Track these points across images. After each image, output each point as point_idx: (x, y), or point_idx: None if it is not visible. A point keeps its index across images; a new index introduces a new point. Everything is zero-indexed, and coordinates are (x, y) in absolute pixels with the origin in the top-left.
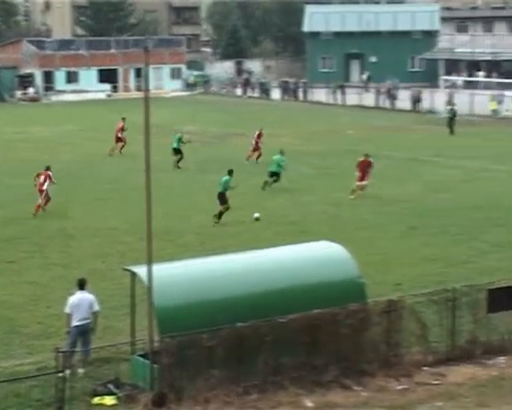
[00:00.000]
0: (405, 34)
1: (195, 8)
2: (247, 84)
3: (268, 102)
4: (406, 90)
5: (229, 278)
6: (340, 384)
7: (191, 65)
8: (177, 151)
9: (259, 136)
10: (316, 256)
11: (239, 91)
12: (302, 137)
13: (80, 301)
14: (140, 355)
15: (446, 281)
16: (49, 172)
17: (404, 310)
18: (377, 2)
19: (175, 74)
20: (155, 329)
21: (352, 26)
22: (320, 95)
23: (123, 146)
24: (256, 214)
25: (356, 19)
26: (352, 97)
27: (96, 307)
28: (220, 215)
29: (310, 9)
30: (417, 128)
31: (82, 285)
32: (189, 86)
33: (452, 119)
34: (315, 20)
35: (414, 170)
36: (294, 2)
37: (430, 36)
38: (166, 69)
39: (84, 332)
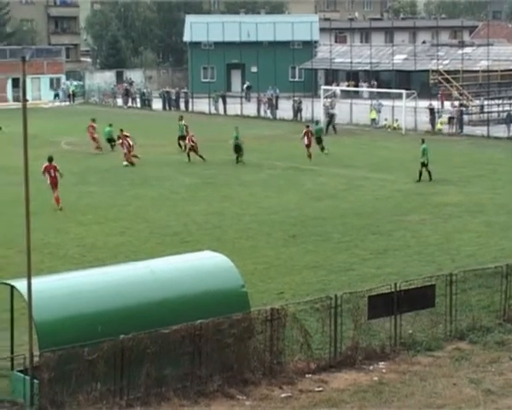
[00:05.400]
0: (285, 44)
1: (74, 18)
2: (127, 94)
3: (149, 112)
4: (287, 100)
5: (110, 290)
6: (224, 394)
7: (71, 75)
8: (238, 148)
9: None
10: (198, 266)
11: (120, 102)
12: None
13: None
14: (20, 371)
15: (328, 288)
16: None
17: (286, 318)
18: (257, 13)
19: (54, 84)
20: (35, 343)
21: (232, 36)
22: (202, 105)
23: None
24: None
25: (236, 29)
26: (233, 107)
27: None
28: None
29: (190, 19)
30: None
31: None
32: (69, 97)
33: (330, 123)
34: (195, 30)
35: (295, 179)
36: (175, 13)
37: (309, 46)
38: (45, 79)
39: None
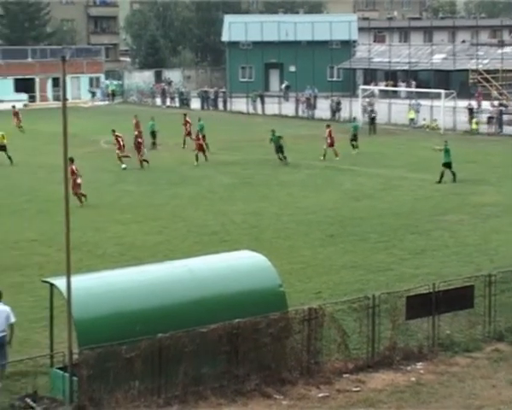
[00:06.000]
0: (323, 44)
1: (113, 18)
2: (164, 93)
3: (188, 111)
4: (325, 100)
5: (148, 289)
6: (262, 393)
7: (110, 74)
8: (280, 149)
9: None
10: (236, 265)
11: (158, 101)
12: (223, 147)
13: None
14: (59, 368)
15: (366, 288)
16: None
17: (324, 318)
18: (296, 12)
19: (93, 84)
20: (74, 341)
21: (270, 35)
22: (240, 104)
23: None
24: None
25: (275, 28)
26: (271, 107)
27: (12, 319)
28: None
29: (229, 19)
30: (336, 137)
31: None
32: (108, 96)
33: (372, 123)
34: (234, 29)
35: (333, 179)
36: (213, 12)
37: (348, 46)
38: (85, 79)
39: (0, 345)
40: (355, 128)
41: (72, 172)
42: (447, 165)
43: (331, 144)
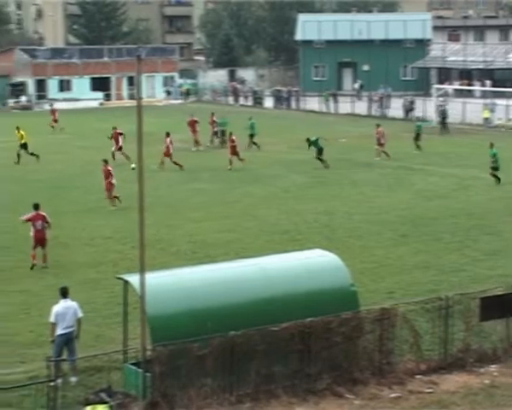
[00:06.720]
0: (397, 43)
1: (188, 17)
2: (236, 92)
3: (261, 110)
4: (398, 99)
5: (221, 287)
6: (333, 392)
7: (184, 73)
8: (320, 151)
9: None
10: (308, 264)
11: (231, 100)
12: (295, 146)
13: (65, 310)
14: (132, 364)
15: (439, 289)
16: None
17: (396, 318)
18: (369, 11)
19: (168, 83)
20: (148, 337)
21: (344, 34)
22: (313, 103)
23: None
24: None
25: (348, 27)
26: (344, 106)
27: (80, 314)
28: None
29: (302, 18)
30: (409, 137)
31: (65, 294)
32: (182, 95)
33: (443, 121)
34: (307, 28)
35: (406, 178)
36: (287, 11)
37: (422, 44)
38: (159, 78)
39: (68, 340)
40: (418, 128)
41: (108, 173)
42: (495, 168)
43: (382, 144)
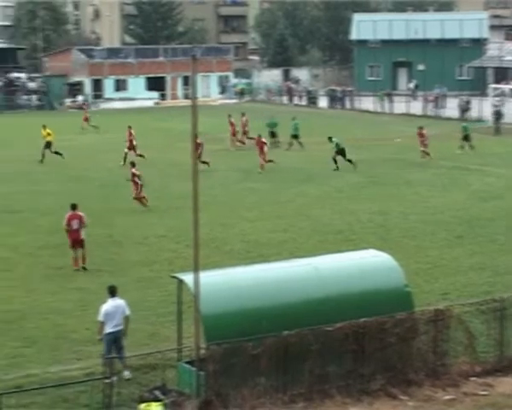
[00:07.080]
0: (453, 42)
1: (243, 17)
2: (290, 92)
3: (315, 110)
4: (454, 99)
5: (274, 287)
6: (387, 393)
7: (239, 73)
8: (342, 151)
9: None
10: (362, 264)
11: (285, 100)
12: (349, 146)
13: (114, 309)
14: (186, 362)
15: (494, 290)
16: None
17: (451, 319)
18: (425, 10)
19: (222, 82)
20: (202, 336)
21: (399, 34)
22: (367, 103)
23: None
24: None
25: (403, 27)
26: (399, 106)
27: (128, 312)
28: None
29: (357, 18)
30: (452, 136)
31: (113, 292)
32: (236, 94)
33: (497, 122)
34: (362, 28)
35: (461, 178)
36: (342, 11)
37: (478, 44)
38: (214, 77)
39: (117, 339)
40: (465, 129)
41: (133, 175)
42: None
43: (424, 144)
